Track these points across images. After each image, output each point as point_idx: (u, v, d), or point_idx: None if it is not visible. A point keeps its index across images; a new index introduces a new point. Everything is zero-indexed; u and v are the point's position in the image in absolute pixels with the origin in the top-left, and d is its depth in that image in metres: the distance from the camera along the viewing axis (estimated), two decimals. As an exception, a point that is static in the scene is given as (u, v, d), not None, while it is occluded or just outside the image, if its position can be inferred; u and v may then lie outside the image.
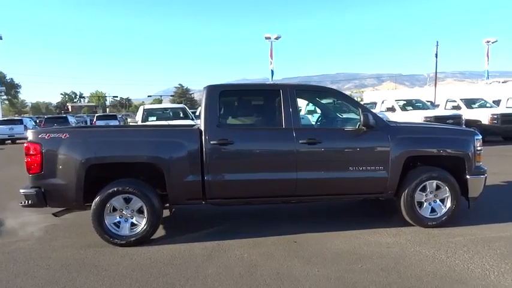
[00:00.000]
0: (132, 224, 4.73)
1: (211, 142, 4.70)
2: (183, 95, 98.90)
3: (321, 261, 4.13)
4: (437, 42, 50.12)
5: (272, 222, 5.51)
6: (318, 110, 7.16)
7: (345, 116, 5.71)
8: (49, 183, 4.58)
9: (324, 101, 6.06)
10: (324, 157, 4.91)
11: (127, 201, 4.69)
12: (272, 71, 33.03)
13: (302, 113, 11.34)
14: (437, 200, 5.17)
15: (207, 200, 4.85)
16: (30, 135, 4.64)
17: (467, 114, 15.28)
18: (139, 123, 12.13)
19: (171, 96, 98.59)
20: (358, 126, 4.97)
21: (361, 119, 4.84)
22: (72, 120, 27.55)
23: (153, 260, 4.26)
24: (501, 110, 15.99)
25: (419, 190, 5.08)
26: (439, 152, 5.15)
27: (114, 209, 4.69)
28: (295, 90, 5.02)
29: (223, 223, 5.54)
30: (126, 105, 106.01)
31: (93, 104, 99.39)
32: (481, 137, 5.34)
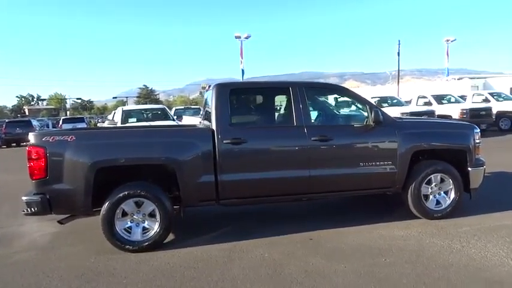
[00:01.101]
0: (144, 229, 4.55)
1: (224, 141, 4.60)
2: (148, 96, 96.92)
3: (343, 257, 4.14)
4: (399, 41, 51.84)
5: (281, 221, 5.46)
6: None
7: (345, 112, 5.76)
8: (55, 188, 4.33)
9: (322, 99, 6.07)
10: (335, 154, 4.93)
11: (138, 205, 4.51)
12: (243, 70, 32.99)
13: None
14: (442, 192, 5.31)
15: (220, 201, 4.74)
16: (32, 138, 4.37)
17: (438, 109, 15.88)
18: (119, 125, 11.75)
19: (137, 97, 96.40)
20: (366, 122, 5.03)
21: (372, 115, 4.90)
22: (35, 123, 26.31)
23: (173, 265, 4.12)
24: (469, 105, 16.74)
25: (425, 183, 5.21)
26: (444, 146, 5.30)
27: (124, 214, 4.50)
28: (304, 87, 5.01)
29: (231, 224, 5.45)
30: (88, 107, 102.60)
31: (53, 106, 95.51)
32: (479, 130, 5.54)
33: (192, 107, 24.53)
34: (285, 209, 6.01)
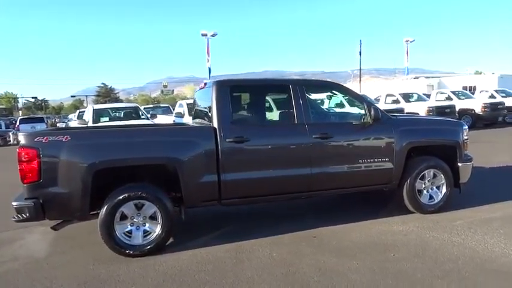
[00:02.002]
0: (145, 232, 4.36)
1: (227, 140, 4.49)
2: (107, 94, 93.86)
3: (352, 254, 4.15)
4: (360, 41, 53.24)
5: (279, 220, 5.41)
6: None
7: (341, 110, 5.80)
8: (49, 192, 4.05)
9: (312, 96, 6.08)
10: (336, 151, 4.95)
11: (138, 207, 4.31)
12: (209, 68, 32.65)
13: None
14: (434, 187, 5.47)
15: (222, 201, 4.63)
16: (23, 139, 4.06)
17: (406, 107, 16.41)
18: (90, 124, 11.27)
19: (97, 95, 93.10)
20: (364, 120, 5.08)
21: (372, 112, 4.95)
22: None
23: (180, 269, 3.97)
24: (435, 103, 17.44)
25: (419, 179, 5.34)
26: (437, 142, 5.45)
27: (124, 217, 4.29)
28: (304, 85, 4.99)
29: (230, 224, 5.33)
30: (42, 106, 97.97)
31: (3, 106, 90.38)
32: (467, 127, 5.74)
33: (162, 105, 23.97)
34: (281, 208, 5.95)
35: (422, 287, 3.39)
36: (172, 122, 13.26)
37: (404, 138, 5.17)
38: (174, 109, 27.51)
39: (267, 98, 5.28)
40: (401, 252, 4.16)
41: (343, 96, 5.69)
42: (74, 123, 14.73)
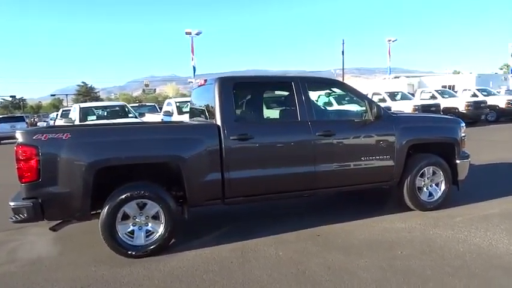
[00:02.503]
0: (147, 232, 4.25)
1: (230, 138, 4.41)
2: (87, 93, 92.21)
3: (359, 252, 4.13)
4: (343, 40, 53.76)
5: (280, 218, 5.36)
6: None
7: (342, 107, 5.78)
8: (48, 192, 3.90)
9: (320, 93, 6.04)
10: (338, 149, 4.92)
11: (140, 206, 4.19)
12: (194, 67, 32.37)
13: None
14: (433, 185, 5.50)
15: (226, 200, 4.55)
16: (21, 136, 3.89)
17: (393, 105, 16.60)
18: (77, 123, 11.00)
19: (76, 94, 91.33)
20: (365, 117, 5.07)
21: (374, 109, 4.94)
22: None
23: (186, 269, 3.87)
24: (420, 101, 17.70)
25: (419, 176, 5.36)
26: (437, 139, 5.49)
27: (125, 217, 4.17)
28: (306, 82, 4.95)
29: (230, 223, 5.26)
30: (20, 105, 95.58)
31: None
32: (464, 124, 5.80)
33: (147, 104, 23.67)
34: (280, 207, 5.90)
35: (434, 284, 3.38)
36: (160, 120, 13.08)
37: (405, 135, 5.18)
38: (160, 108, 27.18)
39: (269, 95, 5.21)
40: (407, 249, 4.16)
41: (344, 93, 5.67)
42: (59, 122, 14.35)
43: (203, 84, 5.20)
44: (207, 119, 5.03)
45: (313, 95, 7.11)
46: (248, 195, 4.64)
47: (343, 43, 53.32)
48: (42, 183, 3.87)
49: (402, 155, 5.17)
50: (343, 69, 52.66)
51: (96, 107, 12.40)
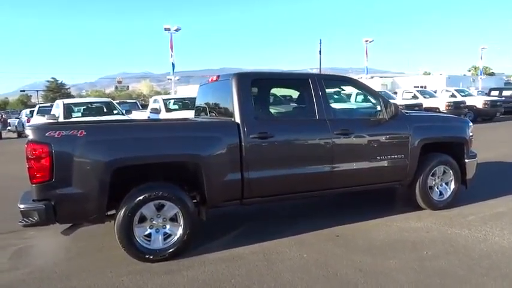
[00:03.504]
0: (165, 235, 4.03)
1: (250, 136, 4.25)
2: (57, 90, 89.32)
3: (384, 253, 4.06)
4: (320, 40, 54.31)
5: (294, 219, 5.23)
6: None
7: (357, 105, 5.71)
8: (62, 193, 3.62)
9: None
10: (356, 148, 4.84)
11: (158, 208, 3.97)
12: (173, 64, 31.70)
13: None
14: (444, 184, 5.51)
15: (244, 200, 4.39)
16: (32, 133, 3.60)
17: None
18: (61, 120, 10.54)
19: (49, 90, 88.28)
20: (379, 116, 5.02)
21: (391, 108, 4.90)
22: None
23: (211, 274, 3.68)
24: (403, 101, 17.98)
25: (430, 175, 5.35)
26: (448, 139, 5.49)
27: (142, 219, 3.94)
28: (323, 79, 4.84)
29: (244, 224, 5.08)
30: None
31: None
32: (472, 124, 5.85)
33: (128, 101, 23.06)
34: (291, 207, 5.77)
35: (471, 286, 3.34)
36: (147, 118, 12.72)
37: (418, 134, 5.15)
38: (142, 105, 26.55)
39: (287, 92, 5.07)
40: (432, 249, 4.12)
41: (358, 91, 5.60)
42: (37, 118, 13.71)
43: (215, 80, 5.00)
44: (219, 116, 4.85)
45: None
46: (267, 195, 4.50)
47: (320, 43, 53.87)
48: (55, 184, 3.59)
49: (416, 154, 5.14)
50: (320, 68, 53.12)
51: (81, 103, 11.92)
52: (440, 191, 5.48)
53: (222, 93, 4.72)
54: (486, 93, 27.59)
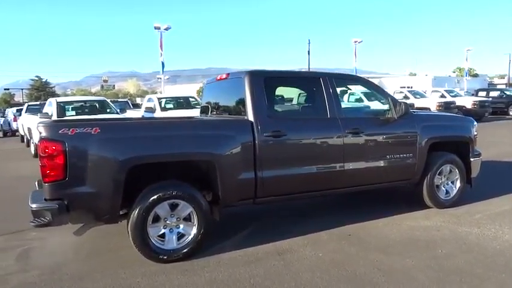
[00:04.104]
0: (179, 234, 3.96)
1: (264, 134, 4.20)
2: (42, 88, 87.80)
3: (399, 252, 4.05)
4: (309, 40, 54.48)
5: (303, 218, 5.22)
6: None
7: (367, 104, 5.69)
8: (75, 192, 3.53)
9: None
10: (366, 146, 4.84)
11: (172, 207, 3.90)
12: (163, 63, 31.43)
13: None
14: (449, 182, 5.55)
15: (257, 199, 4.34)
16: (44, 130, 3.49)
17: (370, 105, 16.89)
18: (54, 118, 10.31)
19: (33, 89, 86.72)
20: (388, 115, 5.03)
21: (398, 107, 4.91)
22: None
23: (228, 274, 3.62)
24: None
25: (437, 174, 5.39)
26: (454, 138, 5.54)
27: (156, 219, 3.86)
28: (334, 78, 4.83)
29: (253, 223, 5.01)
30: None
31: None
32: (476, 123, 5.91)
33: (119, 100, 22.79)
34: (297, 206, 5.73)
35: (491, 283, 3.35)
36: (141, 116, 12.57)
37: (426, 133, 5.18)
38: (133, 104, 26.28)
39: (298, 90, 5.04)
40: (446, 248, 4.13)
41: (368, 90, 5.61)
42: (25, 117, 13.41)
43: (224, 79, 4.94)
44: (229, 114, 4.80)
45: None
46: (279, 194, 4.46)
47: (309, 43, 54.05)
48: (68, 183, 3.49)
49: (424, 153, 5.17)
50: (308, 69, 53.25)
51: (75, 102, 11.70)
52: (446, 190, 5.52)
53: (232, 92, 4.67)
54: (472, 94, 28.09)
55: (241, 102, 4.42)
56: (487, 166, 8.28)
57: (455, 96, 22.01)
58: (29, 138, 13.14)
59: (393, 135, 5.01)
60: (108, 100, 13.82)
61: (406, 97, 19.75)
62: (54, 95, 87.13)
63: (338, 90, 5.00)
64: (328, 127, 4.61)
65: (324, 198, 5.90)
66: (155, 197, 3.75)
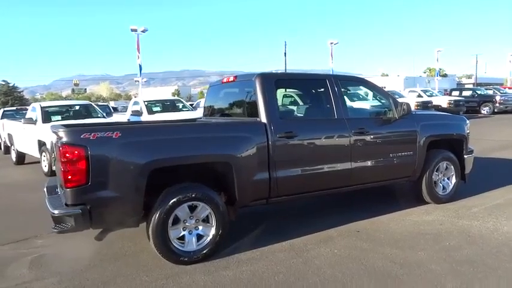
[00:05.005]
0: (198, 236, 4.00)
1: (277, 135, 4.30)
2: (10, 93, 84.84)
3: (410, 245, 4.23)
4: (285, 42, 55.01)
5: (309, 216, 5.34)
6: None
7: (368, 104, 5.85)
8: (98, 197, 3.52)
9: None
10: (371, 146, 5.01)
11: (191, 209, 3.94)
12: (140, 66, 30.98)
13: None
14: (446, 179, 5.80)
15: (270, 199, 4.43)
16: (65, 135, 3.47)
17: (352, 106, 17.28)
18: (39, 124, 10.08)
19: (1, 93, 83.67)
20: (389, 115, 5.22)
21: (399, 107, 5.10)
22: None
23: (251, 273, 3.69)
24: (375, 102, 18.63)
25: (435, 171, 5.62)
26: (450, 136, 5.79)
27: (176, 221, 3.89)
28: (339, 79, 4.98)
29: (263, 222, 5.09)
30: None
31: None
32: (468, 121, 6.19)
33: (100, 104, 22.37)
34: (300, 206, 5.84)
35: (502, 271, 3.56)
36: (127, 120, 12.44)
37: (425, 132, 5.40)
38: (113, 108, 25.81)
39: (306, 92, 5.16)
40: (452, 240, 4.33)
41: (370, 91, 5.79)
42: (7, 122, 13.01)
43: (232, 81, 5.01)
44: (238, 116, 4.87)
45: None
46: (291, 194, 4.57)
47: (285, 45, 54.59)
48: (91, 187, 3.49)
49: (423, 150, 5.39)
50: (285, 70, 53.75)
51: (59, 106, 11.42)
52: (443, 186, 5.76)
53: (241, 94, 4.74)
54: (446, 94, 29.09)
55: (252, 104, 4.51)
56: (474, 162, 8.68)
57: (431, 95, 22.74)
58: (9, 144, 12.74)
59: (395, 134, 5.21)
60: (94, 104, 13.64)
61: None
62: (22, 99, 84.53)
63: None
64: (336, 127, 4.75)
65: (326, 197, 6.03)
66: (175, 199, 3.79)
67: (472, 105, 24.44)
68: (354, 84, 6.19)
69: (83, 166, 3.44)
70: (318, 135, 4.63)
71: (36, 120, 10.31)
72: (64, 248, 4.53)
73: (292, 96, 5.08)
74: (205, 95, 5.67)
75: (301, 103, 4.97)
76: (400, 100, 16.50)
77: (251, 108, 4.55)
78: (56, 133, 3.57)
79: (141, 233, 4.51)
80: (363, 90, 12.65)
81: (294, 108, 4.86)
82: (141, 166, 3.61)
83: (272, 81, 4.51)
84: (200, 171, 4.12)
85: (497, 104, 24.49)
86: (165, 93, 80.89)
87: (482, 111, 24.47)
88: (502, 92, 27.13)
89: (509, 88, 32.97)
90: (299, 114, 4.85)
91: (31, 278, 3.82)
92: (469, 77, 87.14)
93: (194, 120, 5.73)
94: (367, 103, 9.56)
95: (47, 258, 4.31)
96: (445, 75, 77.91)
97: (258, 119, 4.36)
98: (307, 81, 5.23)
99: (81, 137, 3.46)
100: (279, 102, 4.68)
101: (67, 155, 3.42)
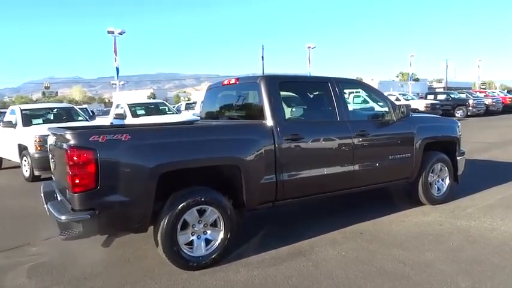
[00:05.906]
0: (206, 241, 3.92)
1: (284, 138, 4.28)
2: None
3: (415, 246, 4.28)
4: (262, 46, 55.10)
5: (311, 220, 5.32)
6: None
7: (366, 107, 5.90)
8: (107, 201, 3.40)
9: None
10: (372, 148, 5.06)
11: (200, 214, 3.86)
12: (117, 68, 30.42)
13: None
14: (440, 180, 5.92)
15: (276, 202, 4.40)
16: (73, 137, 3.34)
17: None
18: (20, 127, 9.72)
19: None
20: (387, 117, 5.29)
21: (398, 110, 5.18)
22: None
23: (263, 277, 3.65)
24: (356, 105, 18.90)
25: (430, 172, 5.73)
26: (444, 138, 5.92)
27: (184, 226, 3.80)
28: (340, 82, 5.01)
29: (263, 227, 5.03)
30: None
31: None
32: (460, 124, 6.35)
33: (79, 107, 21.79)
34: (298, 209, 5.83)
35: (510, 269, 3.64)
36: (110, 123, 12.15)
37: (422, 134, 5.49)
38: (92, 111, 25.21)
39: (309, 95, 5.16)
40: (455, 240, 4.41)
41: (367, 94, 5.86)
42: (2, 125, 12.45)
43: (233, 83, 4.96)
44: (241, 119, 4.83)
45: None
46: (297, 196, 4.55)
47: (263, 48, 54.71)
48: (100, 192, 3.36)
49: (420, 152, 5.48)
50: (263, 73, 53.85)
51: (40, 109, 11.02)
52: (438, 187, 5.88)
53: (244, 96, 4.70)
54: (420, 97, 29.87)
55: (256, 106, 4.48)
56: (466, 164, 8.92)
57: (407, 99, 23.27)
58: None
59: (394, 136, 5.28)
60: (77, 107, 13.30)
61: (365, 101, 20.60)
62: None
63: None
64: (339, 130, 4.77)
65: (324, 200, 6.04)
66: (184, 203, 3.70)
67: (446, 108, 25.15)
68: (353, 86, 6.26)
69: (92, 170, 3.32)
70: (322, 137, 4.64)
71: (16, 124, 9.94)
72: (60, 256, 4.35)
73: (296, 98, 5.06)
74: (203, 97, 5.59)
75: (304, 105, 4.96)
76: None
77: (255, 111, 4.52)
78: (61, 135, 3.43)
79: (140, 238, 4.43)
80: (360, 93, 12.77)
81: (299, 110, 4.85)
82: (151, 169, 3.52)
83: (277, 83, 4.49)
84: (207, 174, 4.05)
85: (471, 108, 25.33)
86: (140, 96, 79.69)
87: (457, 115, 25.20)
88: (474, 96, 28.09)
89: (480, 92, 34.14)
90: (303, 117, 4.85)
91: (32, 286, 3.65)
92: (439, 81, 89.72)
93: (192, 122, 5.63)
94: (365, 105, 9.68)
95: (45, 266, 4.13)
96: (417, 80, 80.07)
97: (264, 122, 4.32)
98: (311, 84, 5.24)
99: (90, 139, 3.34)
100: (286, 104, 4.65)
101: (75, 158, 3.29)
